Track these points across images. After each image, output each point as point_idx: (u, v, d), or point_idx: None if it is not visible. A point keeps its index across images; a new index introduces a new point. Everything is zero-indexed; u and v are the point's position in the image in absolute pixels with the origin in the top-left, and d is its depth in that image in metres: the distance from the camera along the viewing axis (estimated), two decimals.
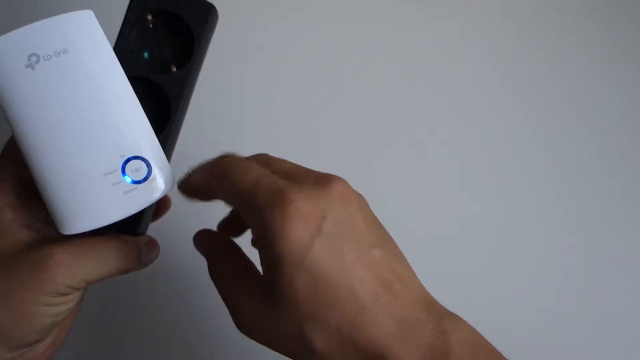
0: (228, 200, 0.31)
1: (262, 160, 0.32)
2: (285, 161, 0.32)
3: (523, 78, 0.53)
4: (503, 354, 0.28)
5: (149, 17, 0.36)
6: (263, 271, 0.28)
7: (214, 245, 0.33)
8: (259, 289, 0.29)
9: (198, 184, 0.32)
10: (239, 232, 0.36)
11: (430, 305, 0.28)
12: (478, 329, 0.29)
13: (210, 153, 0.33)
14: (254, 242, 0.35)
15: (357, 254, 0.27)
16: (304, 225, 0.27)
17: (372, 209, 0.31)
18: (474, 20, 0.54)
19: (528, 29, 0.54)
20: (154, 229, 0.37)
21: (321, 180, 0.29)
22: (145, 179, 0.32)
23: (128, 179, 0.31)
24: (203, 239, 0.33)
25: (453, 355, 0.26)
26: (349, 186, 0.29)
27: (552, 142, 0.52)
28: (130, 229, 0.35)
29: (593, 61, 0.53)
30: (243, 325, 0.29)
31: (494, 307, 0.47)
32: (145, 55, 0.36)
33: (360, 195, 0.30)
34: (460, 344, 0.27)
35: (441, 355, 0.26)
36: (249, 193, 0.28)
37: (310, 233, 0.27)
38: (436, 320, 0.28)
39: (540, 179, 0.51)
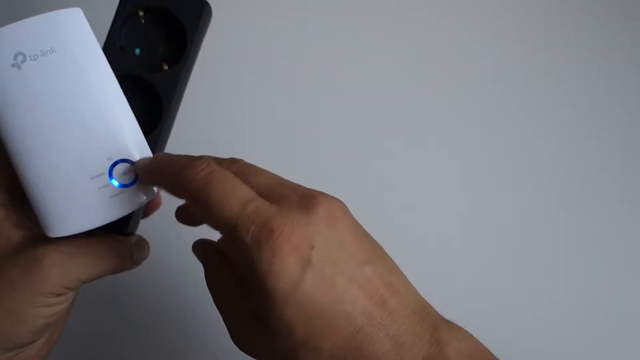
0: (208, 224, 0.29)
1: (239, 171, 0.29)
2: (262, 173, 0.30)
3: (523, 78, 0.52)
4: (504, 353, 0.28)
5: (141, 14, 0.35)
6: (255, 300, 0.27)
7: (211, 255, 0.31)
8: (252, 312, 0.28)
9: (163, 188, 0.30)
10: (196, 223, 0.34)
11: (426, 315, 0.28)
12: (477, 330, 0.28)
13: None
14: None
15: (349, 276, 0.27)
16: (293, 259, 0.26)
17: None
18: (475, 20, 0.53)
19: (528, 29, 0.53)
20: (143, 227, 0.37)
21: (305, 201, 0.27)
22: (133, 182, 0.31)
23: (115, 183, 0.31)
24: (201, 248, 0.32)
25: None
26: (333, 202, 0.28)
27: (552, 142, 0.51)
28: (120, 229, 0.34)
29: (593, 61, 0.53)
30: (238, 340, 0.29)
31: (494, 308, 0.47)
32: (137, 52, 0.36)
33: (344, 206, 0.29)
34: (457, 353, 0.27)
35: None
36: (233, 225, 0.26)
37: (301, 265, 0.26)
38: (432, 331, 0.27)
39: (540, 179, 0.50)
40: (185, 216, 0.35)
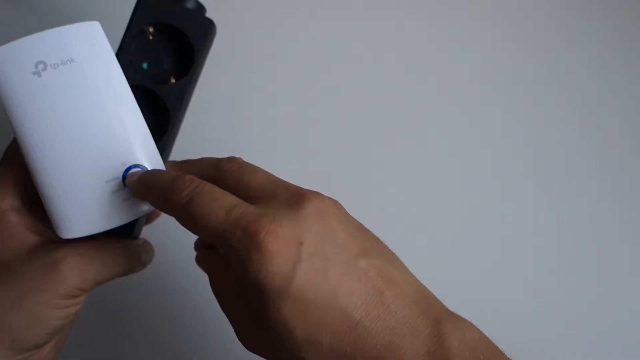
0: (197, 235, 0.29)
1: (234, 168, 0.31)
2: (255, 171, 0.31)
3: (523, 78, 0.52)
4: (505, 352, 0.28)
5: (150, 30, 0.37)
6: (252, 302, 0.28)
7: (212, 264, 0.32)
8: (255, 314, 0.28)
9: (152, 204, 0.31)
10: None
11: (428, 306, 0.28)
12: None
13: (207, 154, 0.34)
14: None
15: (342, 269, 0.27)
16: (283, 256, 0.26)
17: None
18: (474, 20, 0.53)
19: (528, 29, 0.53)
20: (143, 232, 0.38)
21: (294, 200, 0.28)
22: None
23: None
24: (203, 256, 0.33)
25: (453, 358, 0.26)
26: (323, 199, 0.28)
27: (553, 142, 0.51)
28: (126, 233, 0.36)
29: (593, 60, 0.53)
30: (246, 341, 0.29)
31: (494, 308, 0.47)
32: (145, 66, 0.38)
33: (335, 203, 0.29)
34: (460, 345, 0.27)
35: (440, 359, 0.26)
36: (220, 233, 0.27)
37: (291, 262, 0.26)
38: (434, 323, 0.27)
39: (540, 179, 0.50)
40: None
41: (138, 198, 0.32)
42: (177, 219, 0.29)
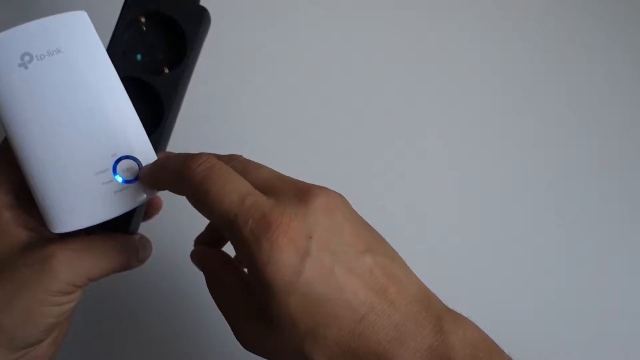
0: (206, 217, 0.29)
1: (238, 166, 0.30)
2: (260, 167, 0.30)
3: (523, 78, 0.53)
4: (505, 350, 0.28)
5: (143, 19, 0.37)
6: (256, 295, 0.28)
7: (211, 262, 0.32)
8: (257, 309, 0.28)
9: (166, 186, 0.31)
10: (221, 244, 0.35)
11: (429, 304, 0.28)
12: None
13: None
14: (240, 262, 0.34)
15: (348, 265, 0.27)
16: (292, 250, 0.26)
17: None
18: (474, 20, 0.53)
19: (528, 29, 0.54)
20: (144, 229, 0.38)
21: (302, 194, 0.28)
22: (137, 178, 0.32)
23: (119, 178, 0.32)
24: (200, 256, 0.33)
25: (454, 355, 0.26)
26: (330, 194, 0.29)
27: (552, 143, 0.52)
28: (122, 228, 0.35)
29: (593, 61, 0.53)
30: (244, 342, 0.29)
31: (494, 307, 0.47)
32: (138, 57, 0.37)
33: (342, 198, 0.29)
34: (461, 342, 0.27)
35: (441, 356, 0.26)
36: (231, 218, 0.27)
37: (300, 256, 0.26)
38: (435, 320, 0.27)
39: (540, 179, 0.51)
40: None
41: (152, 187, 0.32)
42: (190, 198, 0.29)
